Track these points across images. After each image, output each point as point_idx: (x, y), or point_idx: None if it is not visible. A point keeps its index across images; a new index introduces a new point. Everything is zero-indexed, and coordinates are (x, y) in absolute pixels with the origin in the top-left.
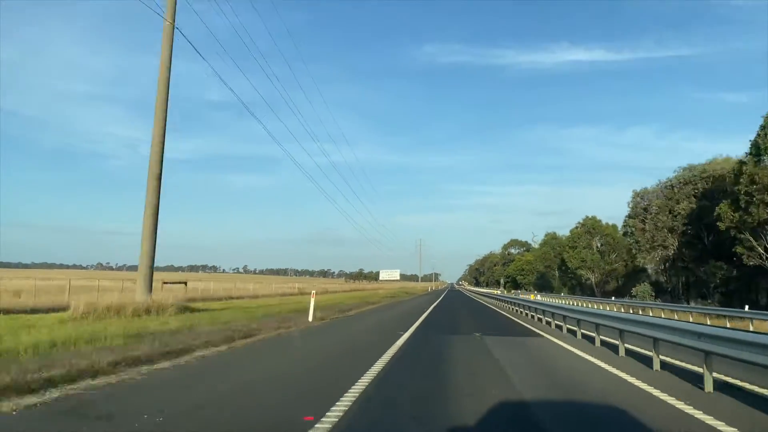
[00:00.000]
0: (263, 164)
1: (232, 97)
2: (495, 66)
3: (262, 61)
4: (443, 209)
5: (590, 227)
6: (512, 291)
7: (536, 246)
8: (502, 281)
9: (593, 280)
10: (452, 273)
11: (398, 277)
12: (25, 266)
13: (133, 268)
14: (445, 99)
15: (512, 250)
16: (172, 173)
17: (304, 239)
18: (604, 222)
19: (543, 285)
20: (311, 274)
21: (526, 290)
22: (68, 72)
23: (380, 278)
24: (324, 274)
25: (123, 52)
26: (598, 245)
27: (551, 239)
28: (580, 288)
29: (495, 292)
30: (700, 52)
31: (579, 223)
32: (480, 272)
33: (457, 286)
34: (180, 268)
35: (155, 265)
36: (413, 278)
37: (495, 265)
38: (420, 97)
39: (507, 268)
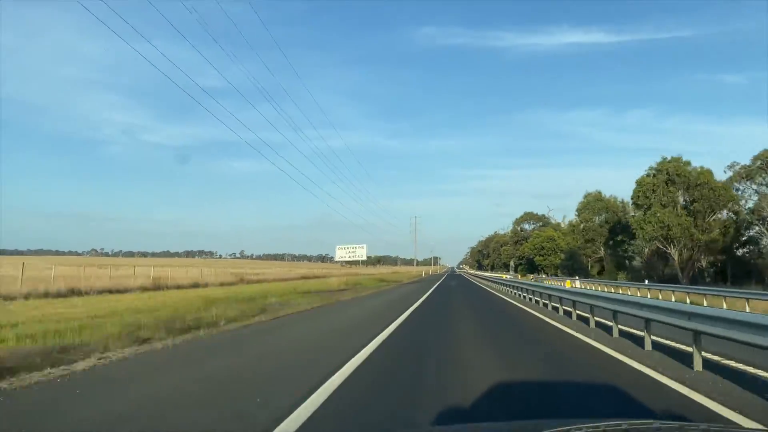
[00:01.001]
0: (260, 150)
1: (229, 83)
2: (494, 48)
3: (259, 48)
4: (443, 194)
5: (674, 173)
6: (528, 276)
7: (555, 221)
8: (512, 263)
9: (675, 257)
10: (453, 257)
11: (364, 257)
12: (21, 253)
13: (129, 254)
14: (443, 83)
15: (526, 226)
16: (168, 160)
17: (302, 225)
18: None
19: (573, 267)
20: (309, 259)
21: (549, 275)
22: (67, 58)
23: (336, 257)
24: (322, 258)
25: (118, 38)
26: (684, 201)
27: (594, 201)
28: (652, 269)
29: (504, 276)
30: (702, 32)
31: (651, 168)
32: (483, 254)
33: (458, 270)
34: (176, 254)
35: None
36: (412, 262)
37: (502, 246)
38: (418, 81)
39: (520, 248)
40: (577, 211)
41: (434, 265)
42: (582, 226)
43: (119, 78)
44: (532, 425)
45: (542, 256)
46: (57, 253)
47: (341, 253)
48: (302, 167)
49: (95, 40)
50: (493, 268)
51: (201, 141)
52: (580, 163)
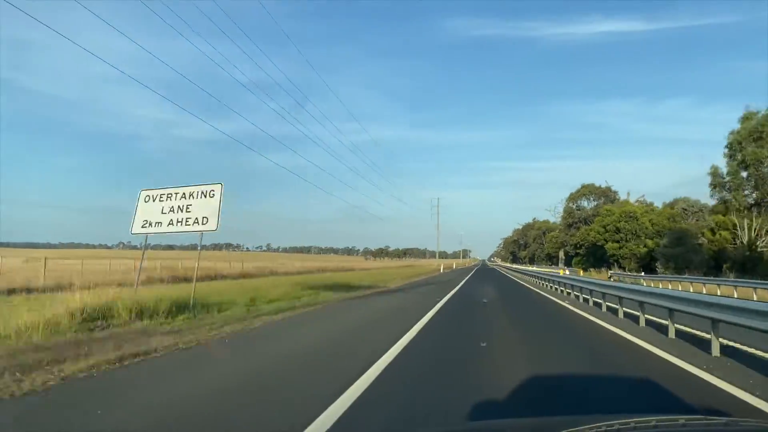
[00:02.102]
0: (287, 144)
1: (259, 78)
2: (524, 39)
3: (286, 44)
4: (472, 186)
5: None
6: (590, 272)
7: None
8: (561, 254)
9: None
10: (483, 249)
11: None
12: (54, 247)
13: (157, 246)
14: (472, 74)
15: (584, 203)
16: (198, 154)
17: (328, 218)
18: None
19: (684, 259)
20: (335, 251)
21: (629, 269)
22: (102, 55)
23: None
24: (348, 251)
25: (155, 35)
26: None
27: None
28: None
29: (561, 272)
30: (740, 19)
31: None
32: (520, 245)
33: (489, 263)
34: (204, 247)
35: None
36: (442, 255)
37: (546, 233)
38: (446, 73)
39: (577, 232)
40: None
41: (463, 257)
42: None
43: (153, 73)
44: (565, 421)
45: (617, 242)
46: (88, 246)
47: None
48: (329, 161)
49: (129, 37)
50: (532, 261)
51: (230, 135)
52: (614, 155)
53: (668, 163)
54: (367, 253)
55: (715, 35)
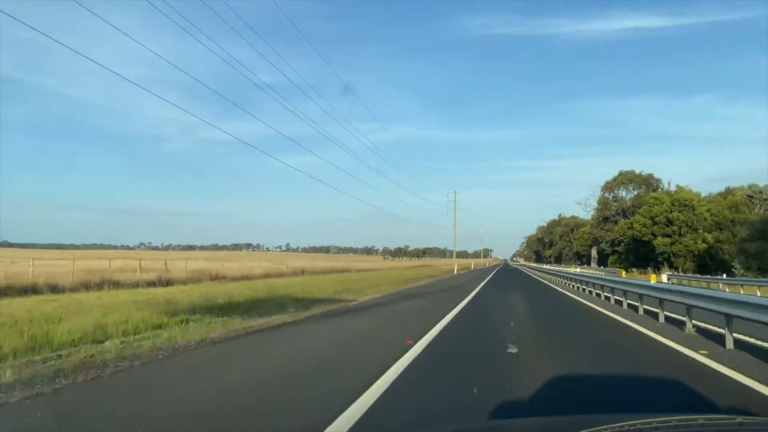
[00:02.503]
0: (309, 144)
1: (278, 79)
2: (549, 36)
3: (307, 43)
4: (493, 185)
5: None
6: (633, 273)
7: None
8: (594, 252)
9: None
10: (505, 249)
11: None
12: (76, 248)
13: (178, 247)
14: (497, 72)
15: (622, 193)
16: (221, 155)
17: (348, 218)
18: None
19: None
20: (354, 251)
21: (682, 269)
22: (128, 58)
23: None
24: (368, 251)
25: (177, 38)
26: None
27: None
28: None
29: (593, 272)
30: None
31: None
32: (544, 244)
33: (511, 263)
34: (224, 247)
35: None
36: (462, 254)
37: (575, 229)
38: (471, 71)
39: (615, 227)
40: None
41: (484, 257)
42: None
43: (177, 76)
44: (586, 420)
45: (668, 236)
46: (109, 247)
47: None
48: (348, 160)
49: (153, 41)
50: (559, 260)
51: (251, 137)
52: (639, 153)
53: (697, 160)
54: (386, 252)
55: (742, 29)
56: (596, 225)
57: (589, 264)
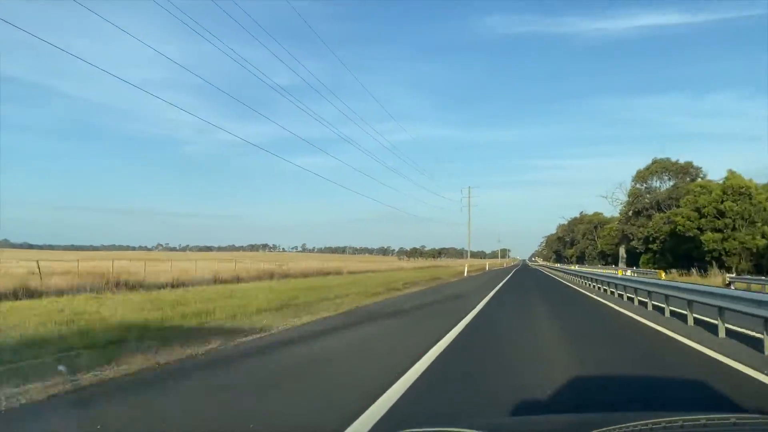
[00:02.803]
0: (325, 145)
1: (294, 81)
2: (563, 35)
3: (321, 44)
4: (513, 184)
5: None
6: (671, 274)
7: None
8: (622, 251)
9: None
10: (524, 249)
11: None
12: (95, 249)
13: (195, 248)
14: (509, 71)
15: (655, 183)
16: (238, 156)
17: (363, 218)
18: None
19: None
20: (370, 251)
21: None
22: (144, 61)
23: None
24: (384, 251)
25: (193, 41)
26: None
27: None
28: None
29: (619, 272)
30: None
31: None
32: (565, 243)
33: (530, 263)
34: (240, 248)
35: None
36: (480, 255)
37: (599, 226)
38: (483, 71)
39: (650, 222)
40: None
41: (502, 257)
42: None
43: (193, 78)
44: (613, 417)
45: (718, 231)
46: (127, 248)
47: None
48: (364, 160)
49: (170, 43)
50: (581, 260)
51: (267, 138)
52: (657, 151)
53: (718, 158)
54: (402, 253)
55: (761, 26)
56: (624, 221)
57: (616, 264)
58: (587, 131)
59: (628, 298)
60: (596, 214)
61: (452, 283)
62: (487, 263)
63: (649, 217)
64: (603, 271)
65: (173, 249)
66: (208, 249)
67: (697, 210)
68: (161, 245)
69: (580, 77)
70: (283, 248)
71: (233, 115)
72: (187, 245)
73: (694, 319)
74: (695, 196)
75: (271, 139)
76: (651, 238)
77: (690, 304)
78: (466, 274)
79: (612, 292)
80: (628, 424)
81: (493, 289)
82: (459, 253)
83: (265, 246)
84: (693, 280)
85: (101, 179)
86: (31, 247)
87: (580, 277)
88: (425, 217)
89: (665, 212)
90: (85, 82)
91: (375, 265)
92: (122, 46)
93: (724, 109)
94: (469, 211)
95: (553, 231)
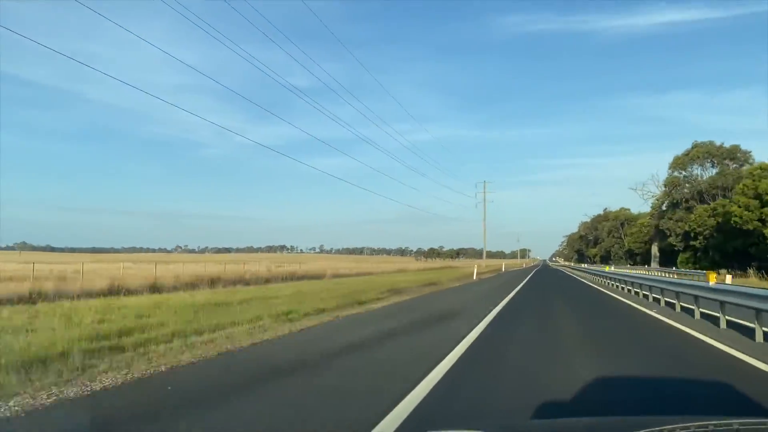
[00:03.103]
0: (343, 146)
1: (312, 83)
2: (582, 33)
3: (339, 46)
4: (533, 184)
5: None
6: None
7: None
8: (655, 250)
9: None
10: (544, 249)
11: None
12: (117, 251)
13: (213, 249)
14: (530, 70)
15: (696, 171)
16: (252, 158)
17: (382, 219)
18: None
19: None
20: (388, 252)
21: None
22: (163, 65)
23: None
24: (402, 252)
25: (212, 45)
26: None
27: None
28: None
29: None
30: None
31: None
32: (588, 242)
33: (551, 263)
34: (258, 249)
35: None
36: (499, 255)
37: (625, 223)
38: (502, 70)
39: (687, 216)
40: None
41: (521, 257)
42: None
43: (210, 82)
44: (636, 421)
45: None
46: (147, 250)
47: None
48: (382, 161)
49: (189, 48)
50: (606, 260)
51: (286, 139)
52: (679, 149)
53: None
54: (419, 253)
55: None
56: (659, 215)
57: (646, 264)
58: (609, 129)
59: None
60: (623, 209)
61: (451, 290)
62: (503, 264)
63: (690, 209)
64: (659, 275)
65: (192, 251)
66: (227, 250)
67: (758, 197)
68: (180, 247)
69: (601, 75)
70: (300, 249)
71: (253, 117)
72: (206, 247)
73: None
74: (755, 180)
75: (291, 141)
76: (693, 234)
77: None
78: (475, 276)
79: (687, 308)
80: (653, 429)
81: (506, 296)
82: (477, 254)
83: (282, 247)
84: (751, 282)
85: (121, 182)
86: (53, 249)
87: (612, 278)
88: (443, 215)
89: (709, 203)
90: (105, 87)
91: (379, 266)
92: (145, 52)
93: (742, 106)
94: (485, 206)
95: (574, 230)
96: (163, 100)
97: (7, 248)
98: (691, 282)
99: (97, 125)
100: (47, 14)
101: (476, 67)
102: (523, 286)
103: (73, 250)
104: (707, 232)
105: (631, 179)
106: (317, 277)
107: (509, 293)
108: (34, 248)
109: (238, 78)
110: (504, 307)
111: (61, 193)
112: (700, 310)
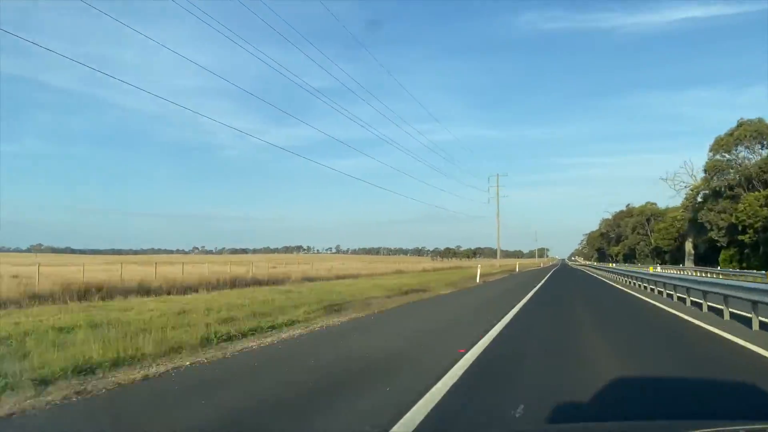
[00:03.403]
0: (361, 145)
1: (329, 84)
2: (599, 30)
3: (355, 46)
4: (549, 183)
5: None
6: None
7: None
8: (689, 246)
9: None
10: (562, 248)
11: None
12: (136, 253)
13: (230, 250)
14: (546, 69)
15: (743, 152)
16: (270, 159)
17: (398, 219)
18: None
19: None
20: (405, 252)
21: None
22: (183, 69)
23: None
24: (418, 252)
25: (229, 48)
26: None
27: None
28: None
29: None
30: None
31: None
32: (609, 240)
33: (570, 263)
34: (275, 250)
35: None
36: (517, 254)
37: (650, 221)
38: (520, 68)
39: (733, 206)
40: None
41: (539, 257)
42: None
43: (229, 84)
44: (653, 426)
45: None
46: (166, 251)
47: None
48: (400, 161)
49: (207, 51)
50: (629, 258)
51: (305, 141)
52: (698, 146)
53: None
54: (435, 253)
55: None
56: (695, 207)
57: (677, 263)
58: (627, 127)
59: None
60: (649, 204)
61: (436, 300)
62: (517, 263)
63: (736, 198)
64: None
65: (209, 252)
66: (244, 251)
67: None
68: (197, 248)
69: (619, 72)
70: (317, 250)
71: (272, 118)
72: (223, 248)
73: None
74: None
75: (310, 141)
76: (740, 227)
77: None
78: (478, 279)
79: None
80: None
81: (490, 329)
82: (494, 253)
83: (299, 248)
84: None
85: (139, 184)
86: (73, 251)
87: (669, 281)
88: (460, 214)
89: (760, 191)
90: (125, 91)
91: (382, 266)
92: (166, 56)
93: (761, 102)
94: (498, 200)
95: (594, 229)
96: (183, 106)
97: (28, 250)
98: None
99: (117, 128)
100: (74, 22)
101: (494, 66)
102: (535, 294)
103: (94, 252)
104: (759, 224)
105: (650, 178)
106: (279, 282)
107: (512, 308)
108: (54, 250)
109: (256, 80)
110: (490, 347)
111: (82, 195)
112: None
